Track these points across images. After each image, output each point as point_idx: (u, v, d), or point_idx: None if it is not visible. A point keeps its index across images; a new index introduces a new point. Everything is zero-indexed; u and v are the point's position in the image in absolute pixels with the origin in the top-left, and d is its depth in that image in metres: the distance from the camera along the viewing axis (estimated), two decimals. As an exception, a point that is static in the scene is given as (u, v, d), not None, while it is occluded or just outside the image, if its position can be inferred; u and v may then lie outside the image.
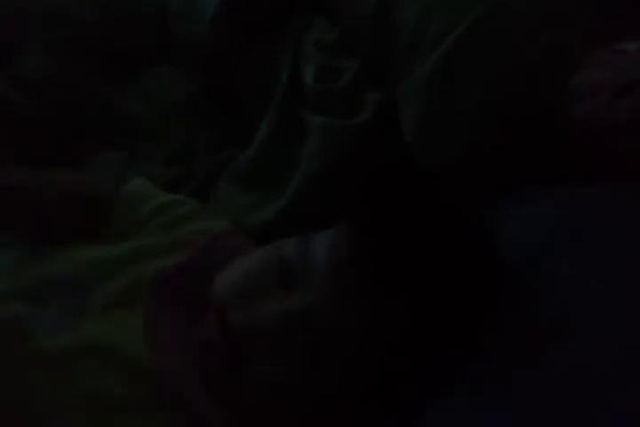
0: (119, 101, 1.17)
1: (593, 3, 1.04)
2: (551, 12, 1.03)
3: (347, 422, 0.82)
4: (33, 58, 1.14)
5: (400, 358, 0.80)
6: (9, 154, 1.05)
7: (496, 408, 0.76)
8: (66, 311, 0.82)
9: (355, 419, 0.82)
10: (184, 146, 1.14)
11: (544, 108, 0.99)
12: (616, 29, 1.03)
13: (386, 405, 0.81)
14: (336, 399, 0.81)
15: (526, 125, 0.99)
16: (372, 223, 0.85)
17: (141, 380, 0.77)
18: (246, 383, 0.79)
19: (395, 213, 0.85)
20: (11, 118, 1.09)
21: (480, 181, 0.99)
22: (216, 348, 0.80)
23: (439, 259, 0.81)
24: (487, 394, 0.77)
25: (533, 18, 1.03)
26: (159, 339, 0.81)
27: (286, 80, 1.10)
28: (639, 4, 1.02)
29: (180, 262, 0.87)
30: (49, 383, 0.76)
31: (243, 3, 1.16)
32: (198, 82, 1.19)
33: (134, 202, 0.94)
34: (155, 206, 0.93)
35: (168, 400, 0.78)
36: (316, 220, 0.91)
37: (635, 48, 1.02)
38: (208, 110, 1.17)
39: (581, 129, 0.98)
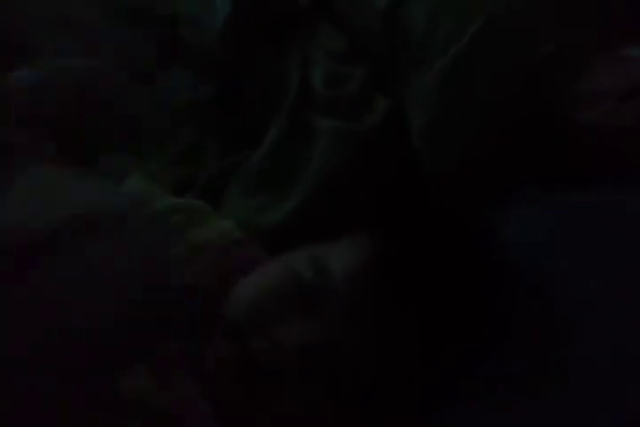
0: (128, 102, 1.18)
1: (598, 7, 1.04)
2: (557, 14, 1.04)
3: None
4: (41, 63, 1.14)
5: (414, 376, 0.79)
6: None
7: (497, 409, 0.77)
8: None
9: None
10: (191, 148, 1.14)
11: (547, 110, 0.99)
12: (621, 34, 1.03)
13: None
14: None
15: (529, 127, 0.99)
16: (387, 241, 0.83)
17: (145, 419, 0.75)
18: (260, 411, 0.78)
19: (407, 230, 0.85)
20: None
21: (482, 182, 0.99)
22: (232, 377, 0.78)
23: (450, 275, 0.81)
24: (488, 395, 0.78)
25: (540, 19, 1.04)
26: (164, 377, 0.78)
27: (295, 85, 1.10)
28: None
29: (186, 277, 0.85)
30: None
31: (252, 11, 1.16)
32: (208, 85, 1.19)
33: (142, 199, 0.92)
34: (159, 209, 0.91)
35: None
36: (324, 223, 0.91)
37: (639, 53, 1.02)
38: (217, 113, 1.17)
39: (586, 134, 0.98)
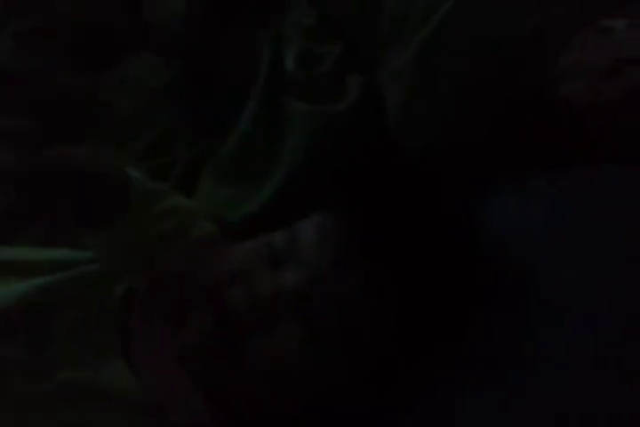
0: (93, 90, 1.15)
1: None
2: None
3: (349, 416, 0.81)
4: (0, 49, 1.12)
5: (397, 338, 0.80)
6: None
7: (489, 403, 0.76)
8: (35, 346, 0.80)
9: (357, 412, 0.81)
10: (162, 135, 1.12)
11: (532, 92, 0.97)
12: (602, 6, 1.02)
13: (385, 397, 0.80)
14: (338, 387, 0.81)
15: (513, 109, 0.98)
16: (357, 205, 0.85)
17: (130, 412, 0.77)
18: (246, 370, 0.79)
19: (379, 195, 0.86)
20: None
21: (468, 167, 0.98)
22: (211, 337, 0.79)
23: (422, 232, 0.82)
24: (480, 388, 0.77)
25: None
26: (142, 365, 0.80)
27: (267, 67, 1.08)
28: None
29: (155, 274, 0.86)
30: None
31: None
32: (177, 69, 1.16)
33: (149, 200, 0.91)
34: (163, 208, 0.91)
35: None
36: (301, 211, 0.89)
37: (621, 25, 1.00)
38: (187, 98, 1.15)
39: (569, 111, 0.96)
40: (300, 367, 0.79)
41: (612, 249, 0.82)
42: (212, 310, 0.79)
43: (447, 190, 0.92)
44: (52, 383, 0.78)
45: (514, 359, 0.77)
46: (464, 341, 0.80)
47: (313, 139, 1.02)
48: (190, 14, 1.14)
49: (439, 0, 1.00)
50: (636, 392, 0.71)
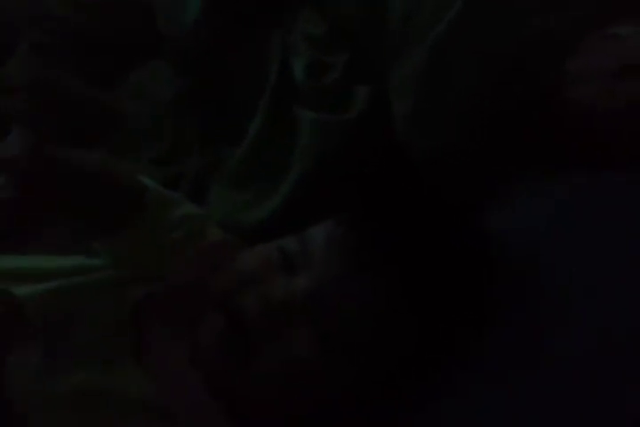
0: (105, 100, 1.16)
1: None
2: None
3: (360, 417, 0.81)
4: (17, 60, 1.13)
5: (407, 341, 0.81)
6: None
7: (494, 403, 0.76)
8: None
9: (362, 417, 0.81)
10: (173, 145, 1.13)
11: (540, 95, 0.97)
12: (607, 13, 1.02)
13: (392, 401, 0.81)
14: (350, 389, 0.81)
15: (521, 113, 0.98)
16: (367, 211, 0.86)
17: (145, 417, 0.78)
18: (258, 373, 0.79)
19: (388, 201, 0.87)
20: None
21: (476, 171, 0.98)
22: (224, 340, 0.80)
23: (431, 236, 0.83)
24: (485, 389, 0.78)
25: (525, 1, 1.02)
26: (156, 370, 0.81)
27: (276, 77, 1.09)
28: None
29: (170, 278, 0.87)
30: None
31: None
32: (187, 78, 1.17)
33: (162, 207, 0.90)
34: (177, 217, 0.90)
35: None
36: (312, 217, 0.90)
37: (628, 32, 1.00)
38: (198, 107, 1.15)
39: (577, 116, 0.96)
40: (312, 370, 0.79)
41: (617, 250, 0.82)
42: (224, 313, 0.80)
43: (455, 195, 0.93)
44: (67, 387, 0.78)
45: (520, 359, 0.78)
46: (474, 341, 0.80)
47: (322, 147, 1.02)
48: (202, 25, 1.14)
49: (447, 2, 1.00)
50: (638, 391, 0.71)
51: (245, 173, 1.06)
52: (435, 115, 1.01)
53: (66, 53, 1.18)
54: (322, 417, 0.81)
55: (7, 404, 0.77)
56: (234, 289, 0.81)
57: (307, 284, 0.79)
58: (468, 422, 0.77)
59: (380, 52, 1.07)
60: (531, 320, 0.80)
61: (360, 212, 0.87)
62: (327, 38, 1.12)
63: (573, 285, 0.81)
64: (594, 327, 0.76)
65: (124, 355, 0.81)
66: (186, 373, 0.81)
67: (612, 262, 0.81)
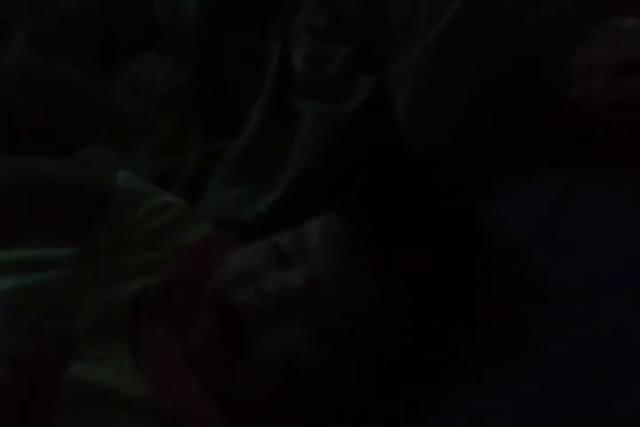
0: (105, 91, 1.16)
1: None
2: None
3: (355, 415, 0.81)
4: (14, 48, 1.13)
5: (403, 337, 0.81)
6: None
7: (492, 400, 0.76)
8: None
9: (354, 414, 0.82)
10: (172, 137, 1.13)
11: (540, 93, 0.97)
12: (612, 4, 1.01)
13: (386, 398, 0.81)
14: (345, 386, 0.81)
15: (522, 108, 0.97)
16: (364, 205, 0.86)
17: (141, 419, 0.78)
18: (252, 369, 0.79)
19: (386, 194, 0.87)
20: None
21: (476, 166, 0.98)
22: (215, 336, 0.80)
23: (429, 231, 0.83)
24: (482, 386, 0.78)
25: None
26: (152, 371, 0.80)
27: (276, 67, 1.08)
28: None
29: (164, 277, 0.86)
30: None
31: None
32: (186, 69, 1.17)
33: (131, 201, 0.90)
34: (148, 209, 0.90)
35: None
36: (311, 211, 0.90)
37: (633, 24, 0.99)
38: (197, 99, 1.15)
39: (578, 110, 0.95)
40: (306, 366, 0.79)
41: (616, 248, 0.82)
42: (219, 309, 0.80)
43: (455, 189, 0.92)
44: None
45: (516, 359, 0.77)
46: (470, 340, 0.80)
47: (322, 138, 1.02)
48: (201, 15, 1.14)
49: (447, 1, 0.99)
50: (637, 390, 0.71)
51: (244, 166, 1.06)
52: (435, 108, 1.00)
53: (64, 43, 1.18)
54: (317, 414, 0.81)
55: None
56: (229, 285, 0.81)
57: (303, 278, 0.80)
58: (461, 422, 0.76)
59: (382, 45, 1.07)
60: (525, 320, 0.80)
61: (356, 204, 0.87)
62: (329, 29, 1.11)
63: (569, 284, 0.80)
64: (590, 327, 0.76)
65: (121, 357, 0.81)
66: (182, 371, 0.81)
67: (609, 260, 0.81)
